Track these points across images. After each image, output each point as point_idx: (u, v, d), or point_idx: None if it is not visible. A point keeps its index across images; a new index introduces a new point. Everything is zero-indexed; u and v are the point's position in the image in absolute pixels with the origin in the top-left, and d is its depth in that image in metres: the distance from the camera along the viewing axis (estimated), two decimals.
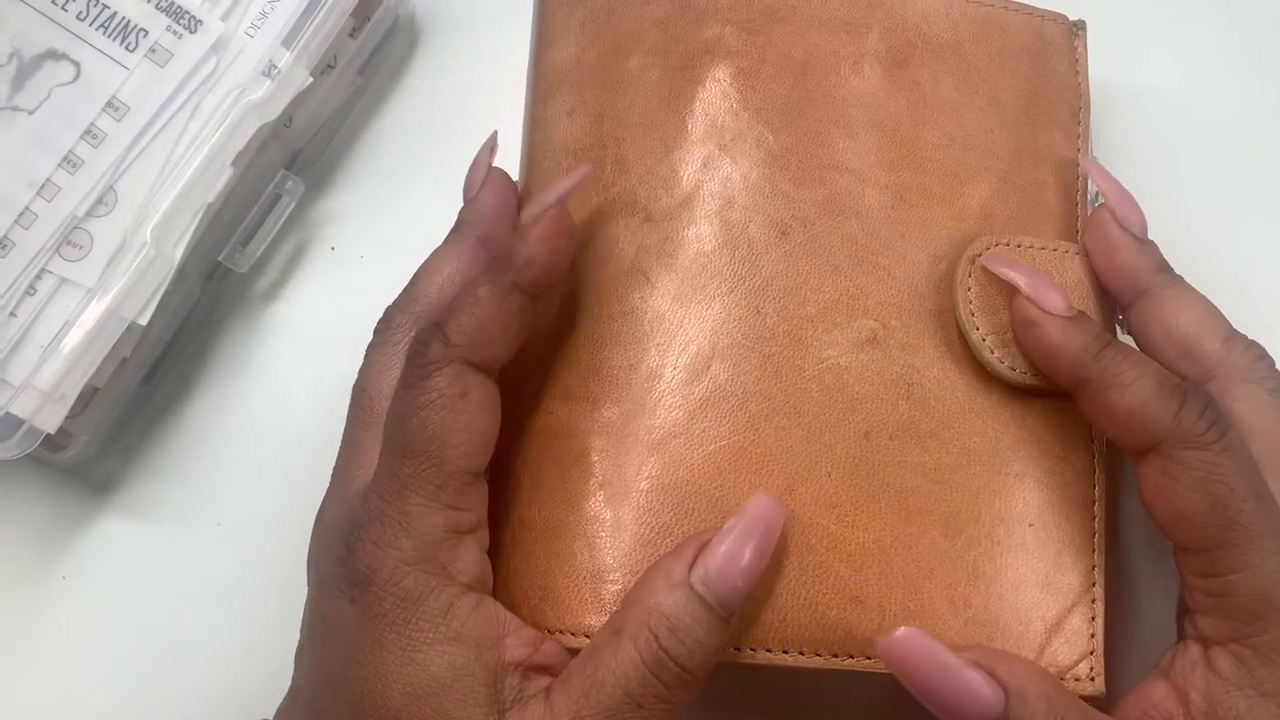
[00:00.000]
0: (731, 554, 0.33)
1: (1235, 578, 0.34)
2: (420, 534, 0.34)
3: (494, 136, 0.41)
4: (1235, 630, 0.34)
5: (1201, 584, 0.35)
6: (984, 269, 0.38)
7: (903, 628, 0.33)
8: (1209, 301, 0.39)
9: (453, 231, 0.39)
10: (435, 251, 0.39)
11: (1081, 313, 0.37)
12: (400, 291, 0.38)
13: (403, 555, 0.33)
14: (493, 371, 0.36)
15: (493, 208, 0.39)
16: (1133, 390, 0.35)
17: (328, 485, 0.37)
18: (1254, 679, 0.34)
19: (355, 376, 0.38)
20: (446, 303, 0.37)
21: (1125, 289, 0.39)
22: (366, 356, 0.38)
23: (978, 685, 0.32)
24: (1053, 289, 0.37)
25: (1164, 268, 0.40)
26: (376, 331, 0.38)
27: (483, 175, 0.40)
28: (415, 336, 0.36)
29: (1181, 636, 0.36)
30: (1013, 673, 0.33)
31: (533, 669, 0.34)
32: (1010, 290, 0.38)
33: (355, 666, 0.33)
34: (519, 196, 0.41)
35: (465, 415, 0.34)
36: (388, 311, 0.38)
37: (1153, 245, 0.40)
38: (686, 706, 0.33)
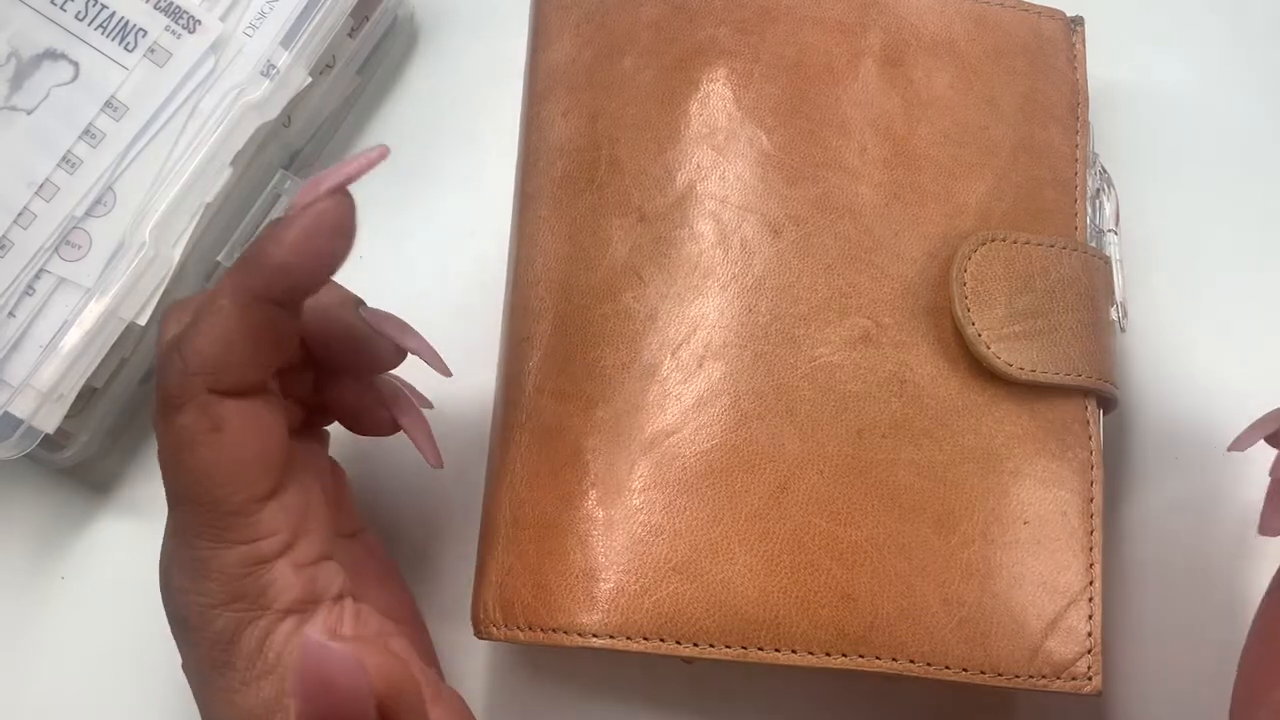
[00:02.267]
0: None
1: None
2: (217, 576, 0.32)
3: (383, 153, 0.32)
4: None
5: None
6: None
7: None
8: None
9: (233, 273, 0.32)
10: (206, 308, 0.32)
11: None
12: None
13: (207, 600, 0.32)
14: (253, 390, 0.32)
15: (296, 257, 0.31)
16: None
17: None
18: None
19: None
20: (227, 369, 0.32)
21: None
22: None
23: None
24: None
25: None
26: (159, 404, 0.33)
27: (314, 198, 0.31)
28: (156, 361, 0.32)
29: None
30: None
31: None
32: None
33: (199, 705, 0.33)
34: (347, 241, 0.33)
35: (226, 450, 0.31)
36: (160, 376, 0.34)
37: None
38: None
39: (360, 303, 0.37)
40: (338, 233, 0.31)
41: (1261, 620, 0.37)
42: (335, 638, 0.31)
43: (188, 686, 0.40)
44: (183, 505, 0.32)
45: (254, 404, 0.32)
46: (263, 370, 0.32)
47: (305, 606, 0.33)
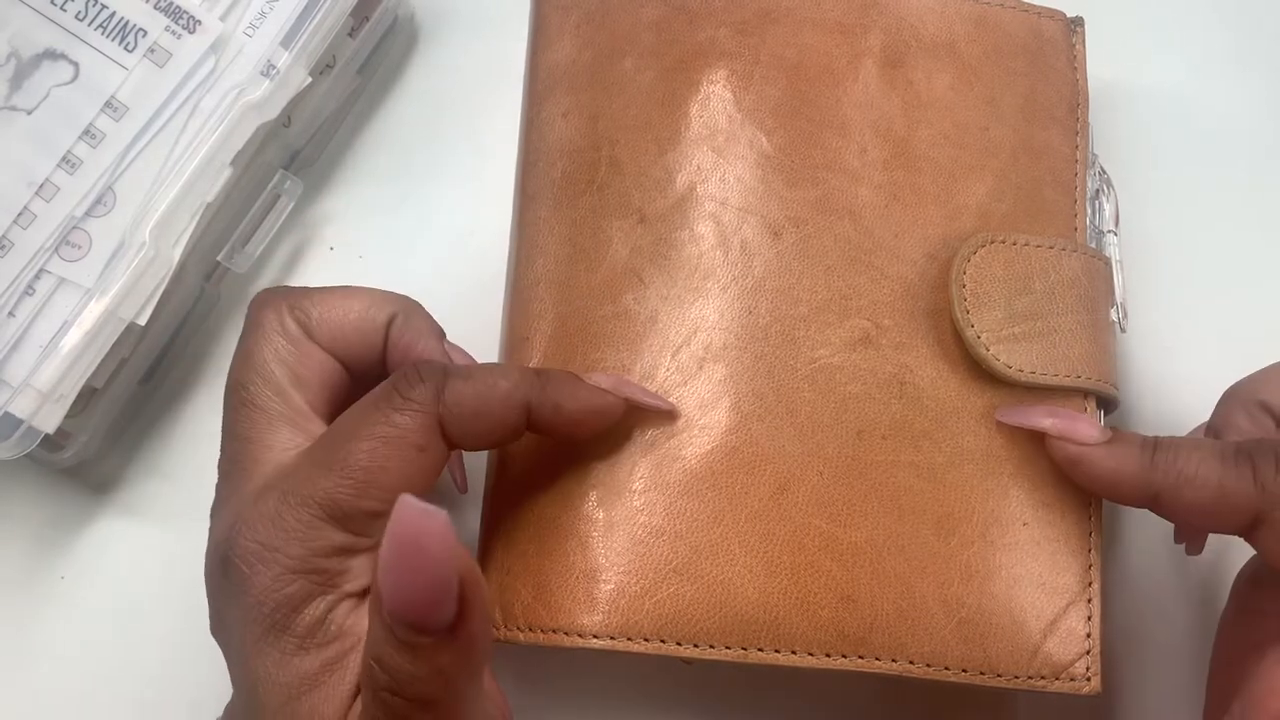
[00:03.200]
0: (392, 586, 0.28)
1: None
2: (311, 546, 0.32)
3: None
4: None
5: None
6: (1000, 423, 0.38)
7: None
8: None
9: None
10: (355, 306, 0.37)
11: (1115, 430, 0.36)
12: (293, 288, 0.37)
13: (288, 562, 0.32)
14: (451, 449, 0.34)
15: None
16: (1202, 480, 0.33)
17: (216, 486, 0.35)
18: None
19: None
20: (338, 336, 0.36)
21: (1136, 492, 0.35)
22: (239, 346, 0.36)
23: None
24: (1080, 420, 0.36)
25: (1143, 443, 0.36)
26: (257, 318, 0.36)
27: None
28: (415, 365, 0.34)
29: None
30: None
31: None
32: (1039, 436, 0.37)
33: (246, 671, 0.33)
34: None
35: (410, 468, 0.33)
36: (263, 293, 0.37)
37: (1120, 434, 0.36)
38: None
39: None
40: (602, 422, 0.36)
41: (1222, 649, 0.37)
42: None
43: (187, 685, 0.40)
44: (332, 477, 0.33)
45: (444, 459, 0.34)
46: (465, 447, 0.34)
47: (364, 593, 0.34)
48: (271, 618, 0.32)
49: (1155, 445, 0.35)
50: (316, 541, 0.32)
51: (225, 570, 0.33)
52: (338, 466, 0.33)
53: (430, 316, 0.38)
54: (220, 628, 0.34)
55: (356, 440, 0.33)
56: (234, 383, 0.36)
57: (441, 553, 0.27)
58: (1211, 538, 0.40)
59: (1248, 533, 0.34)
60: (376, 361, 0.37)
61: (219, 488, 0.35)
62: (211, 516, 0.35)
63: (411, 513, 0.26)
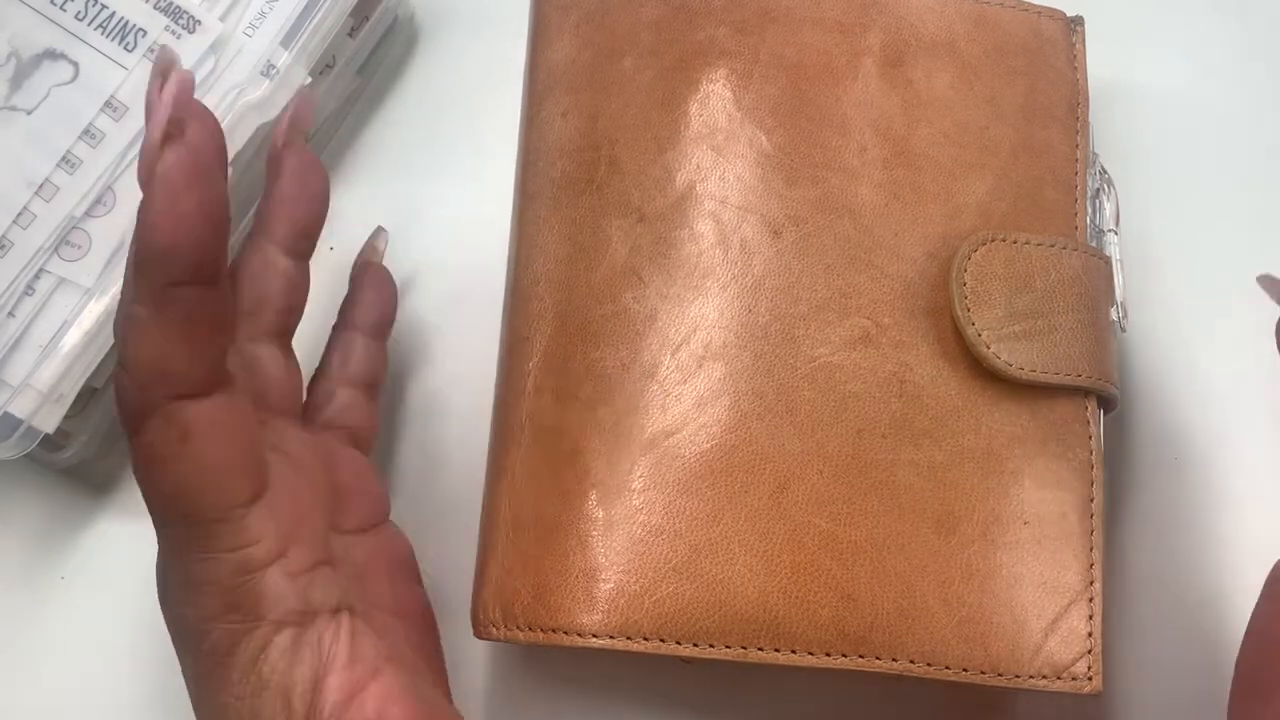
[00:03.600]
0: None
1: None
2: (210, 587, 0.31)
3: (310, 99, 0.35)
4: None
5: None
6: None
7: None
8: None
9: (252, 233, 0.36)
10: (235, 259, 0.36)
11: None
12: None
13: (202, 611, 0.31)
14: (211, 386, 0.30)
15: (291, 204, 0.38)
16: None
17: None
18: None
19: None
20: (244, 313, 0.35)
21: None
22: None
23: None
24: None
25: None
26: None
27: (279, 156, 0.37)
28: (113, 377, 0.31)
29: None
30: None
31: (350, 715, 0.31)
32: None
33: (197, 716, 0.33)
34: (323, 188, 0.39)
35: (196, 457, 0.30)
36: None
37: None
38: None
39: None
40: (197, 180, 0.29)
41: (1258, 623, 0.37)
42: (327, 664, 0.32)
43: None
44: (165, 524, 0.31)
45: (216, 402, 0.30)
46: (211, 360, 0.30)
47: (300, 619, 0.32)
48: (208, 671, 0.32)
49: None
50: (208, 581, 0.31)
51: (170, 630, 0.33)
52: (163, 515, 0.32)
53: None
54: (185, 678, 0.34)
55: (149, 480, 0.31)
56: None
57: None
58: (1212, 538, 0.40)
59: None
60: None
61: None
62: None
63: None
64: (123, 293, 0.29)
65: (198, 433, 0.30)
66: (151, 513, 0.31)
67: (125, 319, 0.29)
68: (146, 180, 0.28)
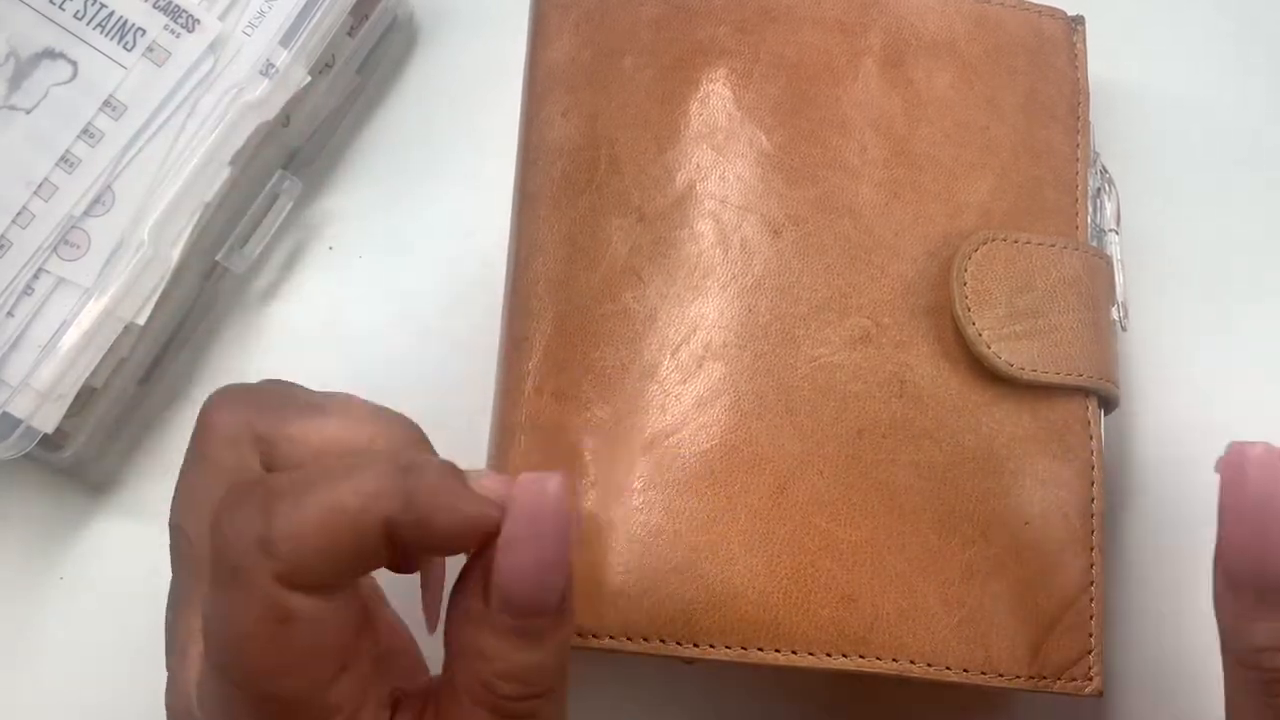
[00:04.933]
0: (516, 571, 0.26)
1: None
2: None
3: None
4: None
5: None
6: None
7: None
8: None
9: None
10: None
11: None
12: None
13: None
14: (334, 590, 0.27)
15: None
16: None
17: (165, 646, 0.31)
18: None
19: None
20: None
21: None
22: (184, 465, 0.30)
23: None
24: None
25: None
26: (208, 437, 0.30)
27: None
28: (226, 512, 0.27)
29: None
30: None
31: None
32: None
33: None
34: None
35: (295, 644, 0.26)
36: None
37: None
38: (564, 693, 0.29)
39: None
40: (561, 563, 0.27)
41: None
42: None
43: None
44: (236, 689, 0.27)
45: (335, 601, 0.27)
46: (351, 579, 0.28)
47: None
48: None
49: None
50: None
51: None
52: (228, 677, 0.27)
53: (442, 467, 0.28)
54: None
55: (221, 639, 0.27)
56: (173, 524, 0.30)
57: (556, 523, 0.26)
58: (1212, 538, 0.40)
59: None
60: None
61: (167, 655, 0.31)
62: (166, 694, 0.31)
63: (526, 493, 0.25)
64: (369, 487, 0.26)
65: (302, 621, 0.26)
66: (212, 674, 0.28)
67: (322, 495, 0.26)
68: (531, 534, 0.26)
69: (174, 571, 0.31)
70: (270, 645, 0.26)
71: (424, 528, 0.26)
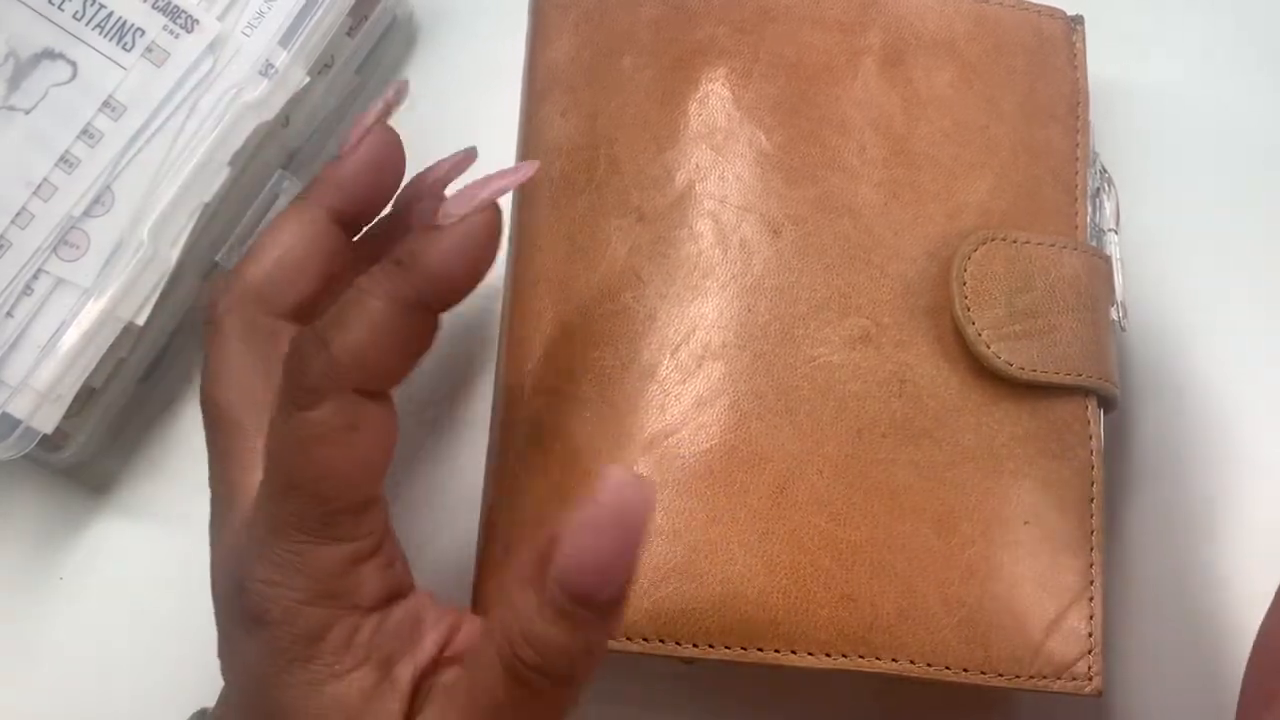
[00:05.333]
0: (579, 554, 0.27)
1: None
2: (313, 572, 0.31)
3: (403, 87, 0.37)
4: None
5: None
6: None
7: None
8: None
9: (301, 194, 0.35)
10: (275, 218, 0.35)
11: None
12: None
13: (297, 595, 0.30)
14: (385, 394, 0.32)
15: (361, 172, 0.36)
16: None
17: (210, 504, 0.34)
18: None
19: None
20: (278, 281, 0.34)
21: None
22: (204, 354, 0.35)
23: None
24: None
25: None
26: (205, 322, 0.35)
27: (362, 132, 0.36)
28: (293, 347, 0.30)
29: None
30: None
31: (444, 664, 0.32)
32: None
33: (263, 697, 0.31)
34: (400, 168, 0.37)
35: (356, 450, 0.30)
36: (211, 291, 0.34)
37: None
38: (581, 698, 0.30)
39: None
40: (491, 245, 0.31)
41: (1267, 636, 0.36)
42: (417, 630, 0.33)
43: (186, 686, 0.40)
44: (293, 498, 0.30)
45: (385, 409, 0.31)
46: (401, 376, 0.31)
47: (385, 604, 0.32)
48: (292, 651, 0.31)
49: None
50: (315, 566, 0.31)
51: (235, 609, 0.32)
52: (292, 490, 0.30)
53: (416, 238, 0.32)
54: (229, 653, 0.33)
55: (290, 457, 0.30)
56: (203, 398, 0.34)
57: (639, 525, 0.27)
58: (1212, 538, 0.40)
59: None
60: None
61: (211, 504, 0.34)
62: (210, 537, 0.34)
63: (619, 485, 0.27)
64: (366, 283, 0.30)
65: (368, 428, 0.31)
66: (274, 485, 0.31)
67: (359, 306, 0.30)
68: (460, 217, 0.31)
69: (208, 441, 0.34)
70: (341, 451, 0.30)
71: (430, 279, 0.30)
